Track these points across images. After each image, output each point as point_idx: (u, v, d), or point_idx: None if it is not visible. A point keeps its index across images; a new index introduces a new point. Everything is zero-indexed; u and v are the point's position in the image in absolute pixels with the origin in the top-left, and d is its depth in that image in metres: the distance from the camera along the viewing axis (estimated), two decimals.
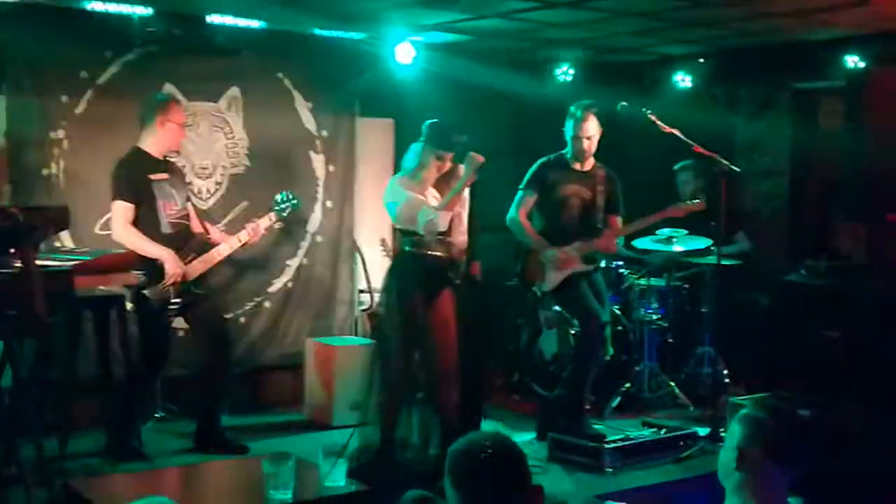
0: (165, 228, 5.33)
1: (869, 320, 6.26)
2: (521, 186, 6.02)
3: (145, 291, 5.19)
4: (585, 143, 5.86)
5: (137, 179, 5.28)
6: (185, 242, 5.40)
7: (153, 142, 5.38)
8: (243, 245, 5.67)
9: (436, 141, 5.26)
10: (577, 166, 5.97)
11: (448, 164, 5.29)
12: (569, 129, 5.90)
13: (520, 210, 5.95)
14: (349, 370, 6.25)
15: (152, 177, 5.33)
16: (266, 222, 5.74)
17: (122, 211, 5.23)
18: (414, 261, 5.23)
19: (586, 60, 7.87)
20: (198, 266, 5.41)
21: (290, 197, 5.85)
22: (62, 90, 5.95)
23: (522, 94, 7.55)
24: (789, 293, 6.87)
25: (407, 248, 5.26)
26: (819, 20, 6.22)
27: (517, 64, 7.79)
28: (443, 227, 5.12)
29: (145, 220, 5.27)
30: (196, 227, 5.59)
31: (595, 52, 7.66)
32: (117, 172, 5.29)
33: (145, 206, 5.28)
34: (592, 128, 5.86)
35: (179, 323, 5.67)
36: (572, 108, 5.91)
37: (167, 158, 5.53)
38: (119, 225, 5.24)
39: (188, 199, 5.62)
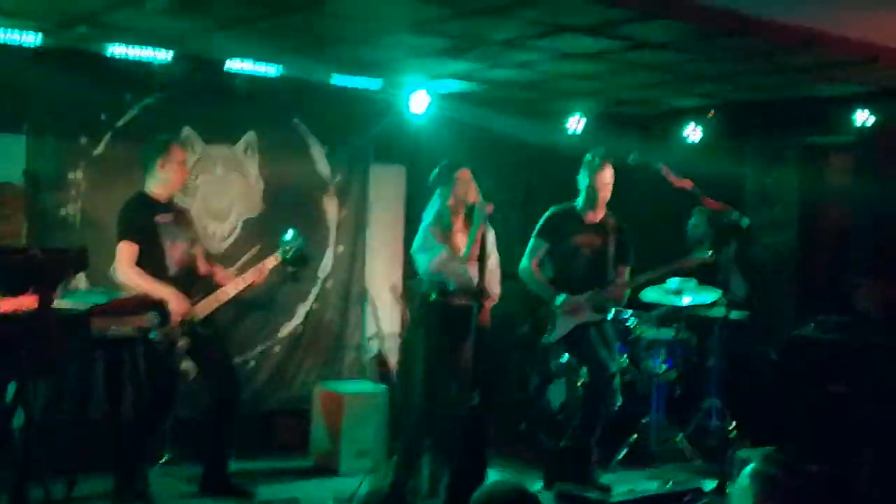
0: (171, 269, 5.36)
1: (879, 376, 6.25)
2: (532, 235, 6.05)
3: (152, 334, 5.20)
4: (601, 192, 5.89)
5: (142, 221, 5.31)
6: (192, 283, 5.42)
7: (157, 184, 5.42)
8: (249, 285, 5.66)
9: (443, 176, 5.32)
10: (589, 216, 6.00)
11: (472, 193, 5.29)
12: (584, 177, 5.93)
13: (532, 259, 5.98)
14: (357, 416, 6.25)
15: (157, 218, 5.36)
16: (271, 262, 5.73)
17: (126, 251, 5.25)
18: (440, 310, 5.26)
19: (598, 111, 7.94)
20: (204, 306, 5.42)
21: (295, 236, 5.82)
22: (82, 132, 6.03)
23: (534, 143, 7.60)
24: (798, 347, 6.86)
25: (433, 298, 5.28)
26: (829, 76, 6.28)
27: (530, 113, 7.86)
28: (474, 279, 5.14)
29: (151, 261, 5.29)
30: (203, 268, 5.61)
31: (607, 103, 7.74)
32: (122, 214, 5.35)
33: (150, 247, 5.31)
34: (608, 176, 5.90)
35: (188, 366, 5.67)
36: (588, 157, 5.94)
37: (173, 200, 5.58)
38: (123, 265, 5.25)
39: (196, 241, 5.66)
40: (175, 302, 5.22)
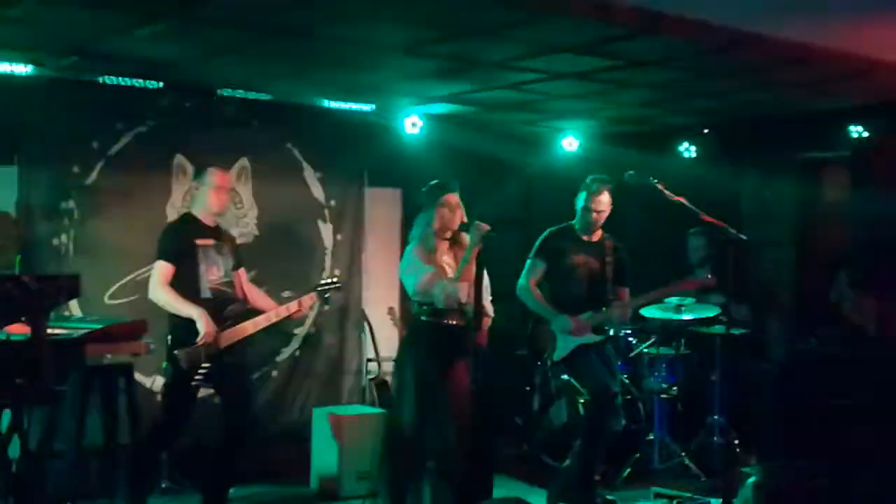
0: (205, 293, 5.29)
1: (879, 389, 6.21)
2: (530, 256, 6.03)
3: (177, 352, 5.14)
4: (595, 216, 5.87)
5: (182, 242, 5.27)
6: (223, 308, 5.33)
7: (203, 208, 5.40)
8: (290, 316, 5.56)
9: (432, 197, 5.31)
10: (585, 237, 5.98)
11: (457, 217, 5.28)
12: (580, 199, 5.92)
13: (530, 279, 5.94)
14: (357, 440, 6.19)
15: (199, 242, 5.31)
16: (308, 301, 5.59)
17: (161, 270, 5.21)
18: (431, 331, 5.23)
19: (592, 131, 7.94)
20: (231, 334, 5.30)
21: (335, 281, 5.74)
22: (74, 160, 6.04)
23: (529, 163, 7.60)
24: (799, 362, 6.83)
25: (424, 318, 5.26)
26: (823, 91, 6.29)
27: (524, 134, 7.86)
28: (463, 299, 5.10)
29: (185, 283, 5.24)
30: (240, 293, 5.51)
31: (601, 122, 7.74)
32: (164, 234, 5.32)
33: (187, 269, 5.25)
34: (605, 202, 5.88)
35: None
36: (587, 181, 5.92)
37: (219, 225, 5.53)
38: (156, 283, 5.21)
39: (236, 267, 5.58)
40: (204, 323, 5.14)
